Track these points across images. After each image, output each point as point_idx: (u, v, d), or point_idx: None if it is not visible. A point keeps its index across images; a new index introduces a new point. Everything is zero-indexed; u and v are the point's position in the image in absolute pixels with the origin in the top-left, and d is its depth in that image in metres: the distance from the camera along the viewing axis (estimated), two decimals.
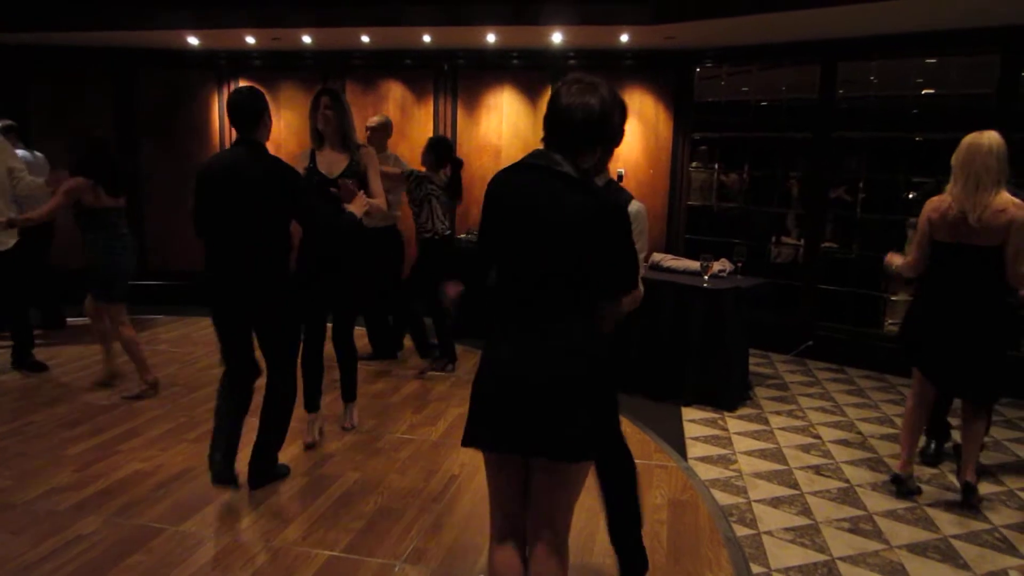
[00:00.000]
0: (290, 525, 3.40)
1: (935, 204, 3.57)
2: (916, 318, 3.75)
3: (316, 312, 4.29)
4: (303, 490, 3.77)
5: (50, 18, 7.17)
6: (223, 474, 3.56)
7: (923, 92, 6.28)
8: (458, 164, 5.62)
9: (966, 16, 5.34)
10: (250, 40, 7.48)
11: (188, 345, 6.55)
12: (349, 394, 4.67)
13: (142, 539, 3.23)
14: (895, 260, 3.86)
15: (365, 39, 7.16)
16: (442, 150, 5.56)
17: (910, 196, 6.44)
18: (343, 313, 4.46)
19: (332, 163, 4.21)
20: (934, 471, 4.27)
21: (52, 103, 8.24)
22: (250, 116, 3.45)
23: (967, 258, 3.49)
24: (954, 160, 3.54)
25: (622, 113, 2.31)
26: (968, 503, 3.74)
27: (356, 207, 3.79)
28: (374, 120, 6.02)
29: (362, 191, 3.97)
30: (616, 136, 2.28)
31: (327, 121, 4.19)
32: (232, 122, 3.46)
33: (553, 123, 2.11)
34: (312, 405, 4.42)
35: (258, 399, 3.70)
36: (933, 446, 4.42)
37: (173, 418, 4.75)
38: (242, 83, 8.39)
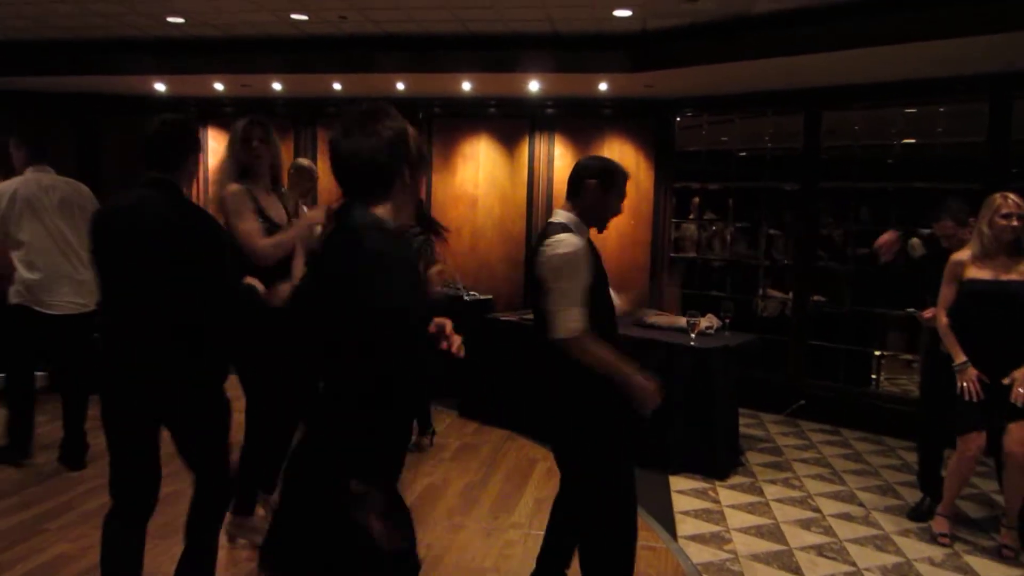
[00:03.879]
0: None
1: None
2: None
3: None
4: None
5: (12, 61, 6.91)
6: None
7: (910, 141, 6.10)
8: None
9: (953, 64, 5.18)
10: (219, 87, 7.24)
11: None
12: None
13: None
14: None
15: (337, 86, 6.93)
16: None
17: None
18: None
19: (272, 207, 3.48)
20: (923, 525, 4.14)
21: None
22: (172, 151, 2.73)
23: None
24: None
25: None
26: None
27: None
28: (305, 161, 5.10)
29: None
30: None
31: (258, 156, 3.42)
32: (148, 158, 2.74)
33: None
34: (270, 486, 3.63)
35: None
36: (928, 502, 4.21)
37: None
38: (211, 131, 8.13)
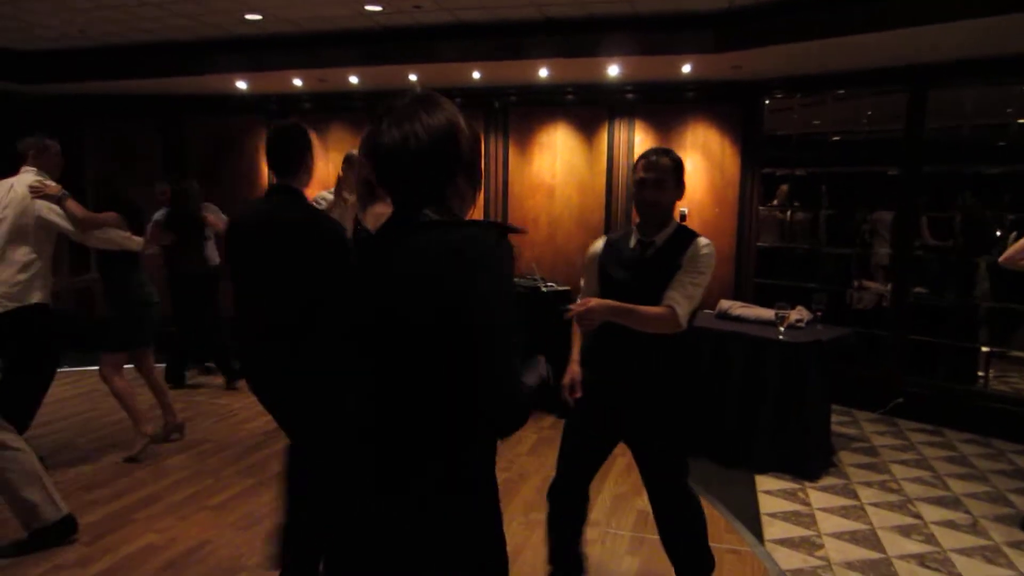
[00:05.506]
0: None
1: None
2: None
3: None
4: None
5: (101, 66, 7.18)
6: None
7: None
8: None
9: None
10: (297, 82, 7.32)
11: (227, 397, 6.27)
12: None
13: None
14: None
15: (413, 77, 6.90)
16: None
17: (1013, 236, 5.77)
18: None
19: (381, 218, 3.65)
20: None
21: (105, 150, 8.26)
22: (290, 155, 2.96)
23: None
24: None
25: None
26: None
27: None
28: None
29: None
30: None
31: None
32: (270, 163, 2.99)
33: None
34: None
35: None
36: None
37: (198, 480, 4.41)
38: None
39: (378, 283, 1.46)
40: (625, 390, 2.75)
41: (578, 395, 2.78)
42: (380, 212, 3.15)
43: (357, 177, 3.42)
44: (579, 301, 2.62)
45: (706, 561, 2.94)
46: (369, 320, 1.47)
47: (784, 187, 6.88)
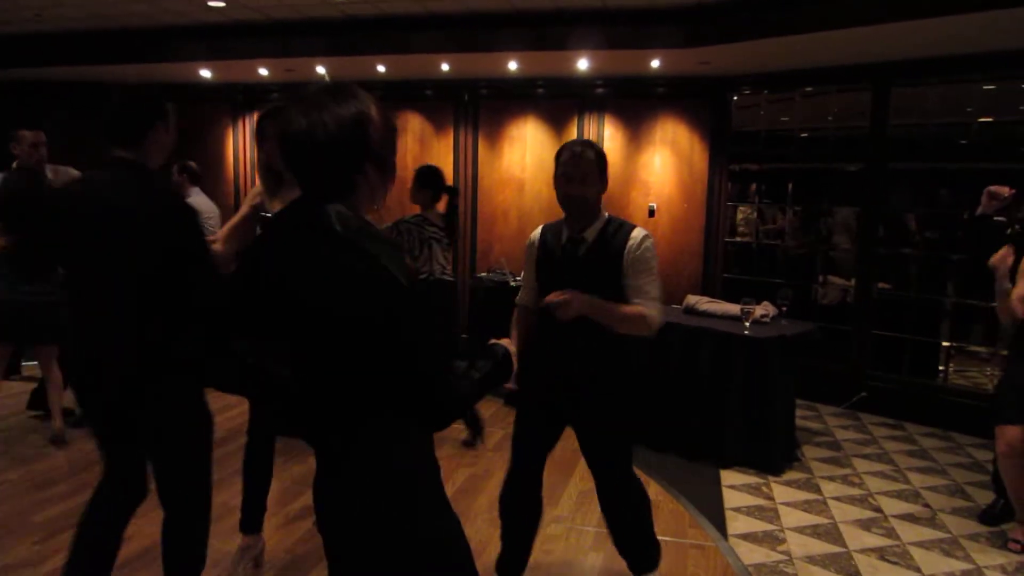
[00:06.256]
0: None
1: None
2: None
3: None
4: None
5: (63, 52, 7.01)
6: None
7: (988, 120, 5.69)
8: (454, 193, 4.83)
9: None
10: (263, 72, 7.21)
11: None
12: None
13: None
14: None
15: (381, 68, 6.82)
16: (439, 182, 4.74)
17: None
18: None
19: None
20: (995, 529, 3.87)
21: (68, 138, 8.05)
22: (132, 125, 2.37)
23: None
24: None
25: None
26: None
27: None
28: None
29: None
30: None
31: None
32: (106, 133, 2.39)
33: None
34: (251, 524, 3.27)
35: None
36: (1001, 503, 3.94)
37: None
38: (258, 117, 8.13)
39: (289, 277, 1.47)
40: (567, 381, 2.71)
41: (514, 388, 2.64)
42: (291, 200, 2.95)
43: (259, 163, 3.16)
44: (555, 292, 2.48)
45: (652, 551, 2.91)
46: (281, 312, 1.49)
47: (753, 186, 6.93)
